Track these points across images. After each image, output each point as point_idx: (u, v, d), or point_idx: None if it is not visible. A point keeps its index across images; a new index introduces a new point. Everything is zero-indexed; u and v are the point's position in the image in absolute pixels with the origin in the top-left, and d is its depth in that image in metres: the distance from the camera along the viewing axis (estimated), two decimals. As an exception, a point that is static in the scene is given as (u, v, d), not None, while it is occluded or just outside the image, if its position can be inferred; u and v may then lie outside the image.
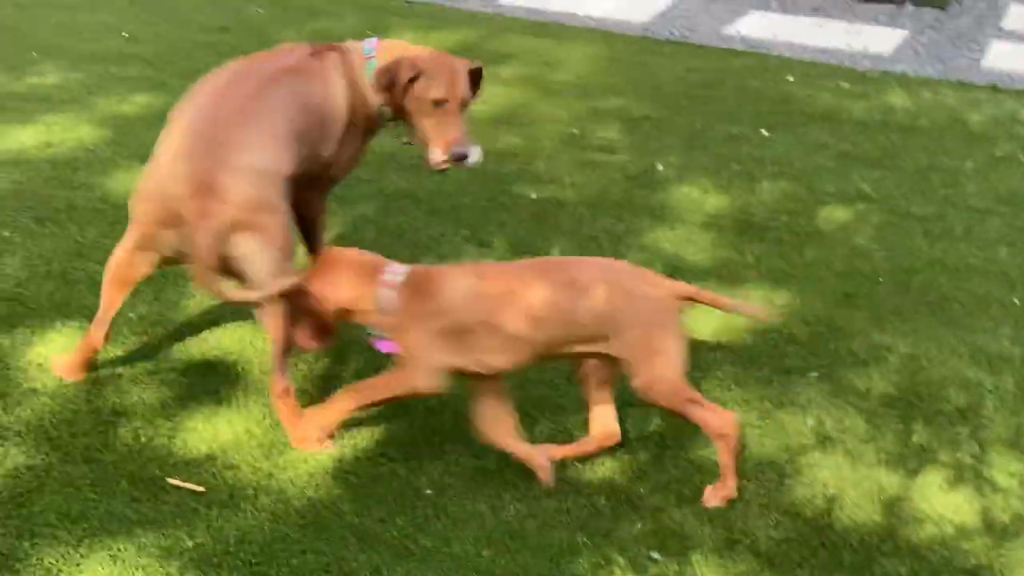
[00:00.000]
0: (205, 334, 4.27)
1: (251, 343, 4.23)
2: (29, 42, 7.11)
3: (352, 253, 3.69)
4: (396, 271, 3.59)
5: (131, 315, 4.28)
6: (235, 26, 7.63)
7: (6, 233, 4.81)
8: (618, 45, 7.78)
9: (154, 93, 6.30)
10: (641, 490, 3.70)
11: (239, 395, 3.97)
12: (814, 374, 4.35)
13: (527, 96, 6.76)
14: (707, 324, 4.58)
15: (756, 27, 8.29)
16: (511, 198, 5.51)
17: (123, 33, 7.19)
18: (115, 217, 4.91)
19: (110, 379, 3.98)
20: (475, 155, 4.14)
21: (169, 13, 7.78)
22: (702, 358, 4.39)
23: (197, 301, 4.41)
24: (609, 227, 5.30)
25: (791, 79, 7.30)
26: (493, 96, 6.72)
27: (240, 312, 4.34)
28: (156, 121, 5.75)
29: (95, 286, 3.98)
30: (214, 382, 4.03)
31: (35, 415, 3.80)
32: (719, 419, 3.60)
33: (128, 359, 4.10)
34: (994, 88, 7.54)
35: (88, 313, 4.08)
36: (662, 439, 3.93)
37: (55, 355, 4.05)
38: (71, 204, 5.05)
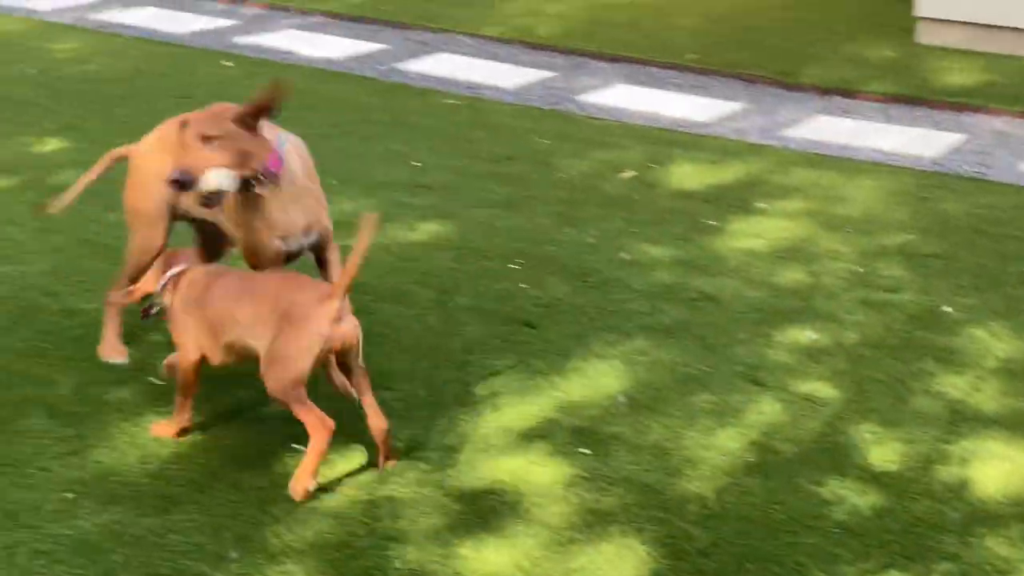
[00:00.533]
0: (479, 462, 4.35)
1: (525, 476, 4.28)
2: (328, 168, 7.49)
3: (172, 252, 4.57)
4: (179, 268, 4.45)
5: (399, 440, 4.43)
6: (520, 155, 7.84)
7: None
8: (906, 180, 7.60)
9: (441, 221, 6.52)
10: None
11: (509, 525, 4.02)
12: (1114, 537, 4.07)
13: (809, 231, 6.67)
14: (993, 477, 4.35)
15: (1055, 162, 7.97)
16: (788, 336, 5.42)
17: (413, 162, 7.49)
18: (400, 346, 5.10)
19: (387, 502, 4.10)
20: (211, 181, 4.19)
21: (456, 142, 8.07)
22: (987, 512, 4.17)
23: (470, 428, 4.50)
24: (890, 369, 5.13)
25: (1092, 218, 6.97)
26: (775, 230, 6.67)
27: (515, 446, 4.42)
28: (443, 249, 5.92)
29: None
30: (485, 510, 4.09)
31: (316, 535, 3.94)
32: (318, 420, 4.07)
33: (404, 483, 4.22)
34: None
35: (360, 437, 4.27)
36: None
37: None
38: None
